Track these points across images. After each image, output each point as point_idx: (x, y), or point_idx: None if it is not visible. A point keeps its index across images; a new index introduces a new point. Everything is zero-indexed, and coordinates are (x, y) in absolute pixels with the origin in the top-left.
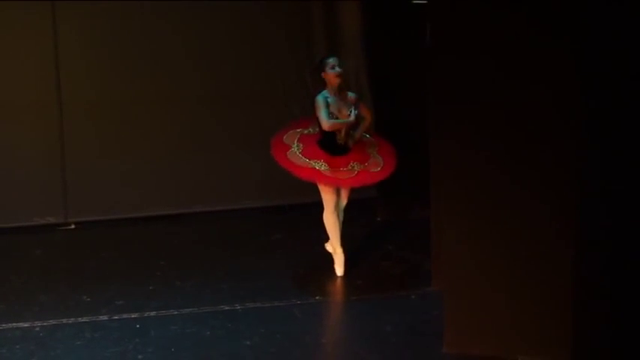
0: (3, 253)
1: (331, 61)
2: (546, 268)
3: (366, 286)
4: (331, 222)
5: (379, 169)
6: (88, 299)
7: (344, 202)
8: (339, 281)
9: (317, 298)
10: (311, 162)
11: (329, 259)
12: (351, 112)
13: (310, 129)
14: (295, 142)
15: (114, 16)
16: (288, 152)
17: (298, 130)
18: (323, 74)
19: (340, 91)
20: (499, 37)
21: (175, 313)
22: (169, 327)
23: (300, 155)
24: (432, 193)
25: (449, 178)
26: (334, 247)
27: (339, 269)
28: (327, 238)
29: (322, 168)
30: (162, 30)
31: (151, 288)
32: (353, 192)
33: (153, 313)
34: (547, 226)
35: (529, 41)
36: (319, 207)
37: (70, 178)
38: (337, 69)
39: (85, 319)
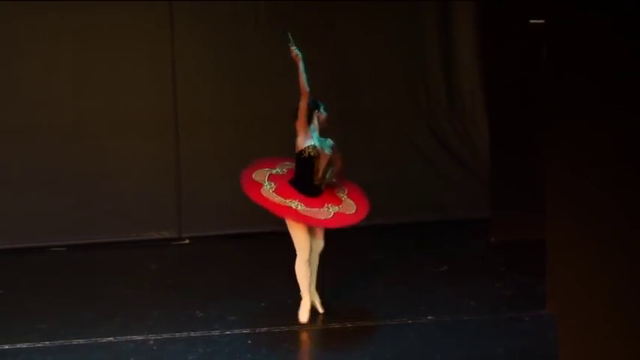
0: (119, 267)
1: (321, 104)
2: None
3: (478, 307)
4: (303, 272)
5: (354, 211)
6: (201, 314)
7: (320, 245)
8: (450, 302)
9: (428, 317)
10: (286, 201)
11: (439, 278)
12: (331, 152)
13: (277, 169)
14: (266, 180)
15: (229, 38)
16: (261, 189)
17: (266, 169)
18: (316, 112)
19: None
20: (619, 62)
21: (286, 329)
22: (281, 344)
23: (273, 194)
24: (547, 215)
25: (564, 200)
26: (303, 294)
27: (303, 315)
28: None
29: (299, 207)
30: (275, 47)
31: (263, 304)
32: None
33: (264, 329)
34: None
35: None
36: (423, 227)
37: (185, 194)
38: (326, 112)
39: (197, 334)
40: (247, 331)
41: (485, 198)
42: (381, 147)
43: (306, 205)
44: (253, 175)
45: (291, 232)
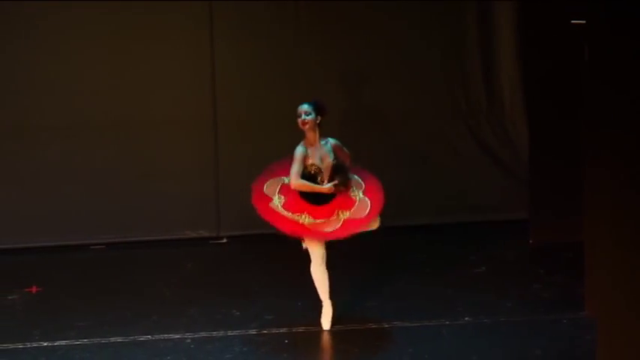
0: (156, 265)
1: (300, 108)
2: None
3: (516, 309)
4: (319, 275)
5: (367, 212)
6: (238, 313)
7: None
8: (488, 302)
9: (466, 318)
10: (294, 216)
11: (478, 279)
12: (333, 158)
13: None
14: (276, 193)
15: (269, 37)
16: (270, 204)
17: (279, 178)
18: (317, 118)
19: (315, 140)
20: None
21: (324, 329)
22: (316, 343)
23: (282, 209)
24: (586, 217)
25: (603, 202)
26: (322, 299)
27: (326, 322)
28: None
29: (306, 221)
30: (313, 46)
31: (299, 304)
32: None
33: (301, 329)
34: None
35: None
36: (461, 228)
37: (223, 193)
38: (304, 117)
39: (234, 333)
40: (284, 331)
41: (525, 199)
42: (419, 147)
43: (315, 217)
44: (265, 187)
45: (305, 240)
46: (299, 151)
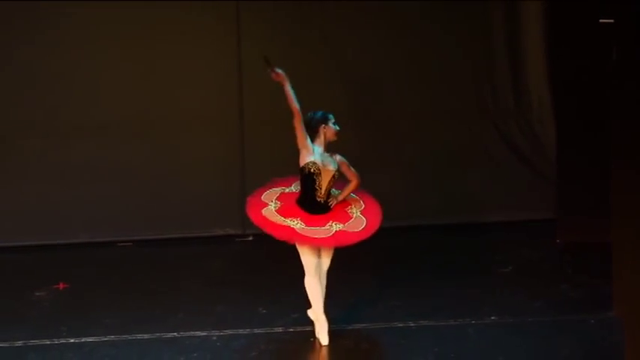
0: (183, 262)
1: (332, 117)
2: None
3: (543, 309)
4: (313, 286)
5: (361, 229)
6: (264, 311)
7: (325, 264)
8: (514, 302)
9: (492, 318)
10: (286, 220)
11: (504, 279)
12: (335, 168)
13: (292, 187)
14: (274, 200)
15: (295, 34)
16: (263, 209)
17: (279, 188)
18: (322, 126)
19: (325, 149)
20: None
21: (348, 328)
22: (342, 342)
23: (275, 213)
24: (613, 218)
25: (630, 203)
26: (317, 314)
27: (323, 338)
28: (309, 304)
29: (297, 226)
30: (340, 46)
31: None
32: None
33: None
34: None
35: None
36: (488, 227)
37: (249, 191)
38: (337, 127)
39: (260, 331)
40: (309, 329)
41: (552, 199)
42: (447, 147)
43: (307, 224)
44: (263, 196)
45: (299, 251)
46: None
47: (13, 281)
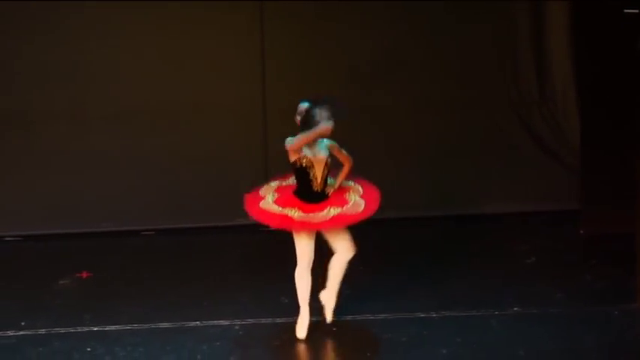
0: (206, 251)
1: (299, 107)
2: None
3: (566, 300)
4: (302, 282)
5: (360, 211)
6: (287, 300)
7: (343, 255)
8: (537, 293)
9: (515, 309)
10: (284, 210)
11: (528, 270)
12: (327, 154)
13: (290, 180)
14: (271, 192)
15: (318, 21)
16: (261, 202)
17: (278, 181)
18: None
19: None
20: None
21: (371, 317)
22: (366, 331)
23: (272, 204)
24: (637, 209)
25: None
26: (301, 305)
27: (302, 331)
28: (322, 287)
29: (295, 215)
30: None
31: (347, 292)
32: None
33: (349, 317)
34: None
35: None
36: (512, 218)
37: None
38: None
39: (282, 320)
40: (333, 319)
41: (575, 189)
42: (471, 138)
43: (304, 212)
44: (261, 191)
45: (294, 239)
46: (290, 138)
47: (37, 270)
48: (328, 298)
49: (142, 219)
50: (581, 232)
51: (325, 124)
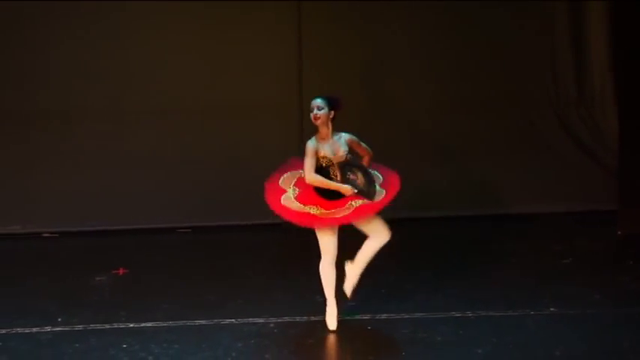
0: (241, 249)
1: (312, 102)
2: None
3: (603, 301)
4: (327, 273)
5: (381, 198)
6: (321, 299)
7: (382, 237)
8: (574, 293)
9: (551, 309)
10: (305, 207)
11: (564, 270)
12: (346, 150)
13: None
14: (292, 185)
15: (355, 21)
16: (282, 197)
17: (296, 171)
18: (331, 113)
19: (327, 135)
20: None
21: (407, 317)
22: (400, 330)
23: (294, 200)
24: None
25: None
26: (328, 298)
27: (331, 323)
28: (350, 258)
29: (317, 212)
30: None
31: (383, 291)
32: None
33: (384, 316)
34: None
35: None
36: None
37: None
38: (316, 112)
39: (317, 318)
40: (367, 317)
41: (612, 190)
42: (507, 136)
43: (326, 209)
44: (280, 181)
45: (317, 234)
46: (310, 145)
47: (74, 266)
48: (352, 274)
49: (178, 216)
50: (619, 232)
51: (349, 188)
